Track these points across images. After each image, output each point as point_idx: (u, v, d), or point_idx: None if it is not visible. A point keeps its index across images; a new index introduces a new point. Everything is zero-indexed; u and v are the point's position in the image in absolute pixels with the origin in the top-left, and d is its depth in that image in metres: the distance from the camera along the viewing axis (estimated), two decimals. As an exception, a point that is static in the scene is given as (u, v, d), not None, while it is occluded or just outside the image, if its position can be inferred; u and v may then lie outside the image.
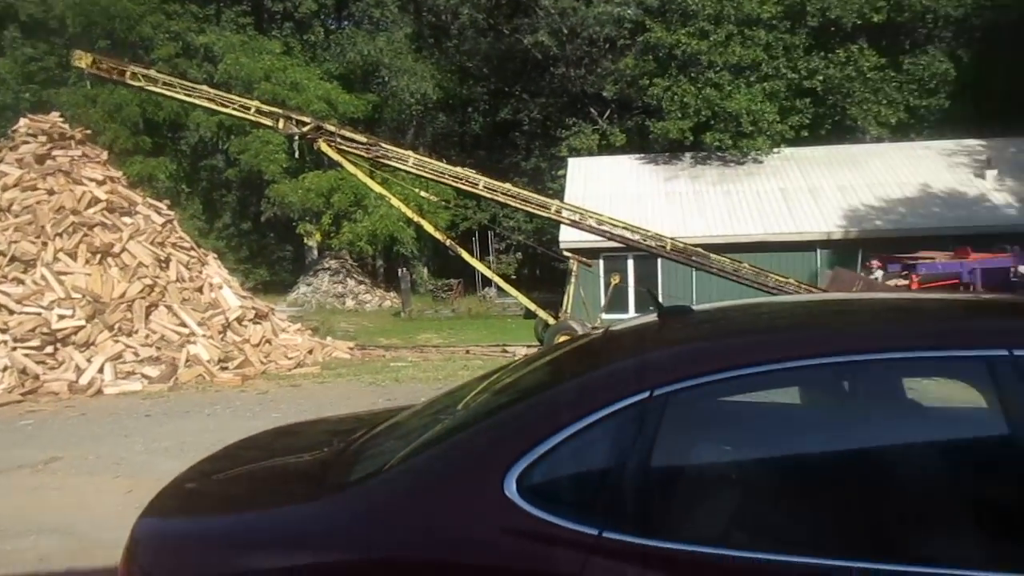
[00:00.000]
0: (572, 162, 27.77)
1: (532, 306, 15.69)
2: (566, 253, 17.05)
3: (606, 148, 30.23)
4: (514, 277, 32.30)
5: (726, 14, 26.15)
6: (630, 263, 22.63)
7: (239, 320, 14.02)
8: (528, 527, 1.92)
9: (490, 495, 1.97)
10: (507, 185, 15.83)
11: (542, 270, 34.00)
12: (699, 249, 15.76)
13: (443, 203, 26.43)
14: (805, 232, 22.72)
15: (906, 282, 14.80)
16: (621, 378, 2.08)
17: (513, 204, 16.37)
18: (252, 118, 15.85)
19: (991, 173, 23.58)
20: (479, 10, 34.16)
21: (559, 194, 25.72)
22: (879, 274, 16.64)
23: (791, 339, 2.13)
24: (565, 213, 16.17)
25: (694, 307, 2.52)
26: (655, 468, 1.96)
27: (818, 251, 22.68)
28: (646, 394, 1.98)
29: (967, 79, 27.41)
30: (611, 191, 24.80)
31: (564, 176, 27.27)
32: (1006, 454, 1.87)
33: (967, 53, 27.84)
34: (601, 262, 22.37)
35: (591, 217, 15.74)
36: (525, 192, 16.38)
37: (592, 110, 32.33)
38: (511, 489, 1.96)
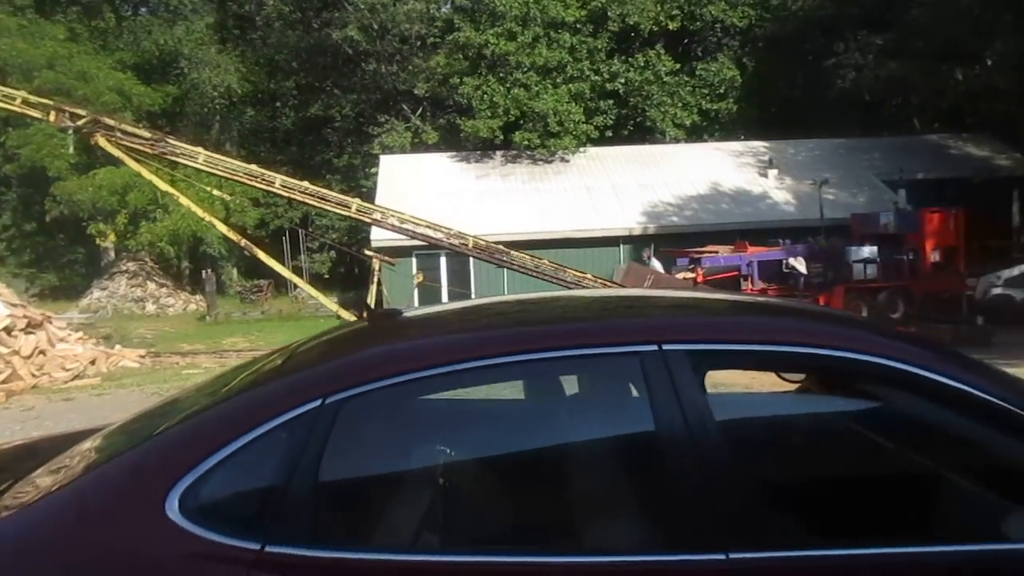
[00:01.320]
0: (384, 159, 27.52)
1: (333, 306, 15.38)
2: (367, 252, 16.83)
3: (419, 146, 30.20)
4: (327, 276, 31.69)
5: (532, 16, 26.77)
6: (443, 261, 22.73)
7: (7, 330, 12.78)
8: (189, 547, 1.82)
9: (151, 515, 1.86)
10: (305, 183, 15.39)
11: (360, 269, 33.42)
12: (500, 246, 16.03)
13: (244, 202, 25.40)
14: (609, 228, 23.70)
15: (693, 275, 15.77)
16: (294, 387, 2.03)
17: (311, 203, 15.98)
18: (18, 109, 14.46)
19: (773, 172, 25.58)
20: (286, 2, 33.09)
21: (372, 192, 25.43)
22: (655, 263, 17.59)
23: (461, 342, 2.15)
24: (373, 213, 15.95)
25: (404, 311, 2.49)
26: (323, 477, 1.91)
27: (621, 246, 23.72)
28: (317, 402, 1.93)
29: (753, 85, 29.61)
30: (423, 189, 24.78)
31: (377, 174, 26.98)
32: (656, 446, 1.95)
33: (752, 61, 30.04)
34: (414, 260, 22.35)
35: (392, 216, 15.62)
36: (324, 191, 16.01)
37: (405, 107, 32.18)
38: (173, 507, 1.85)
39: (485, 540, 1.97)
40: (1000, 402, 1.96)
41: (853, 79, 29.71)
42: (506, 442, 2.18)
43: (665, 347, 1.97)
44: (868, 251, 16.65)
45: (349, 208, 15.42)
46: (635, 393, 2.08)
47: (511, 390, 2.41)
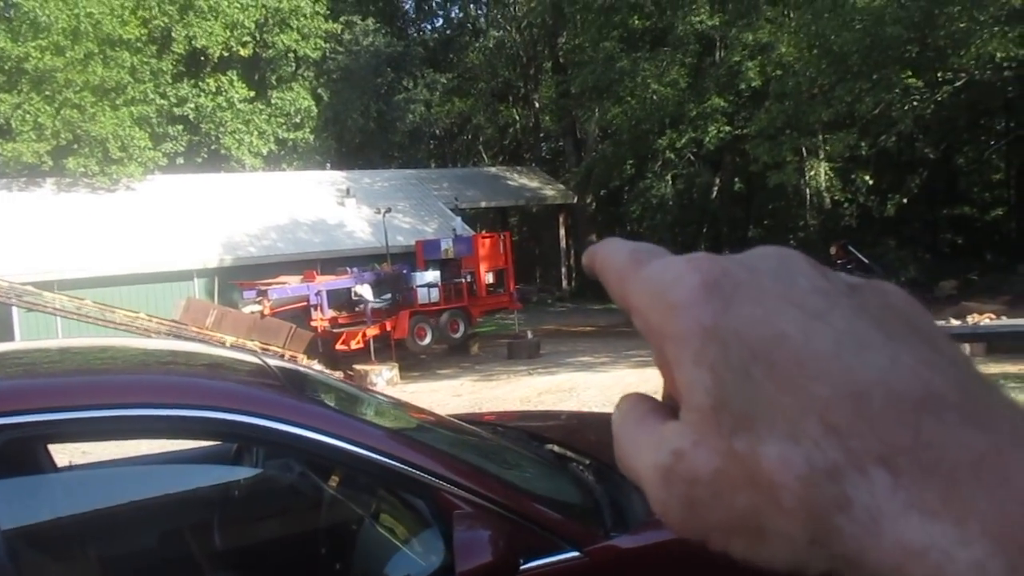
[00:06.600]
0: None
1: None
2: None
3: (-56, 171, 25.68)
4: None
5: (84, 31, 24.31)
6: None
7: None
8: None
9: None
10: None
11: None
12: (29, 288, 14.11)
13: None
14: (182, 262, 22.26)
15: (260, 308, 15.35)
16: None
17: None
18: None
19: (350, 201, 26.13)
20: None
21: None
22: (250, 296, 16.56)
23: None
24: None
25: None
26: None
27: (196, 280, 22.42)
28: None
29: (329, 116, 30.10)
30: (-52, 222, 21.09)
31: None
32: None
33: (327, 92, 30.54)
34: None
35: None
36: None
37: (-74, 126, 27.19)
38: None
39: None
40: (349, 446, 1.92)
41: (423, 114, 31.71)
42: None
43: None
44: (431, 276, 17.63)
45: None
46: None
47: None
